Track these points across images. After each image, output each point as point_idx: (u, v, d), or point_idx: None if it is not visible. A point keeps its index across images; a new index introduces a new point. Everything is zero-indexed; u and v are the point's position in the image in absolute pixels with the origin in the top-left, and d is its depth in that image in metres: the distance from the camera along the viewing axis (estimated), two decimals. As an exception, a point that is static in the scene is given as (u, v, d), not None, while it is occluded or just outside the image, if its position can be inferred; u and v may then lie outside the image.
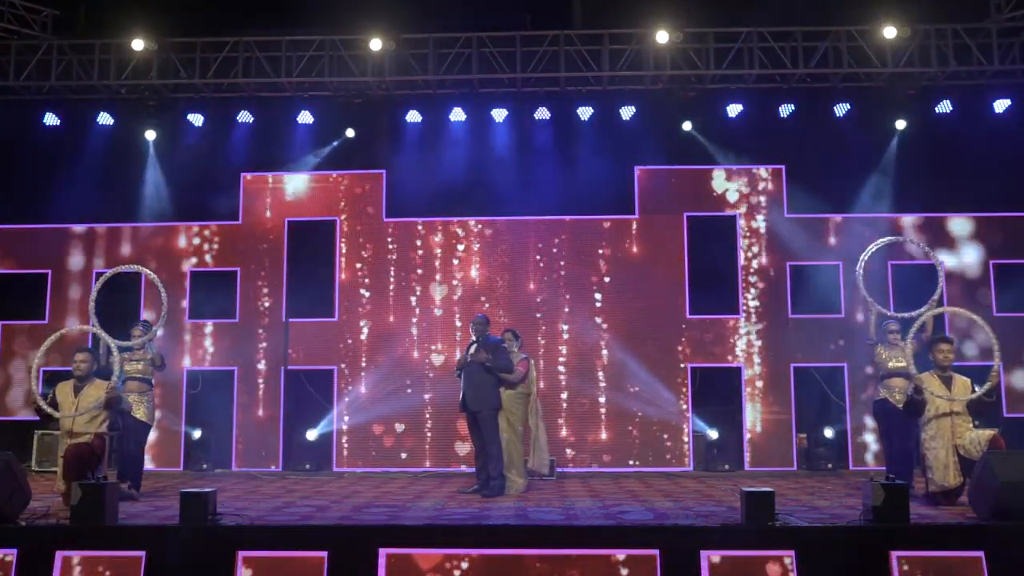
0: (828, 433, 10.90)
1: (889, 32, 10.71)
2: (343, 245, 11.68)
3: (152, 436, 9.11)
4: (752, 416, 11.21)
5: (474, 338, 8.39)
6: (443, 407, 11.22)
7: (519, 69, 11.19)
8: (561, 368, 11.38)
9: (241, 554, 5.43)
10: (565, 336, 11.42)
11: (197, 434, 11.13)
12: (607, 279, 11.51)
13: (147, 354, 8.43)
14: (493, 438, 8.16)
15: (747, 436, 11.16)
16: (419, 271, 11.59)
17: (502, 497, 7.89)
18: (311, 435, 11.10)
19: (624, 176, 11.66)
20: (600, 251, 11.56)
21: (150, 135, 11.67)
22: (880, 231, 11.35)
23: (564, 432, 11.21)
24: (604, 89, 11.53)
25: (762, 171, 11.63)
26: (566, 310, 11.45)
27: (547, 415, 11.13)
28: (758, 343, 11.35)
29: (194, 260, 11.69)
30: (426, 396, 11.35)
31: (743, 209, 11.59)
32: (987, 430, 7.11)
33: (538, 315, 11.43)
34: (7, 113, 11.64)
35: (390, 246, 11.67)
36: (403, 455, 11.25)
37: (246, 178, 11.83)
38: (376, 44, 10.96)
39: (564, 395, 11.32)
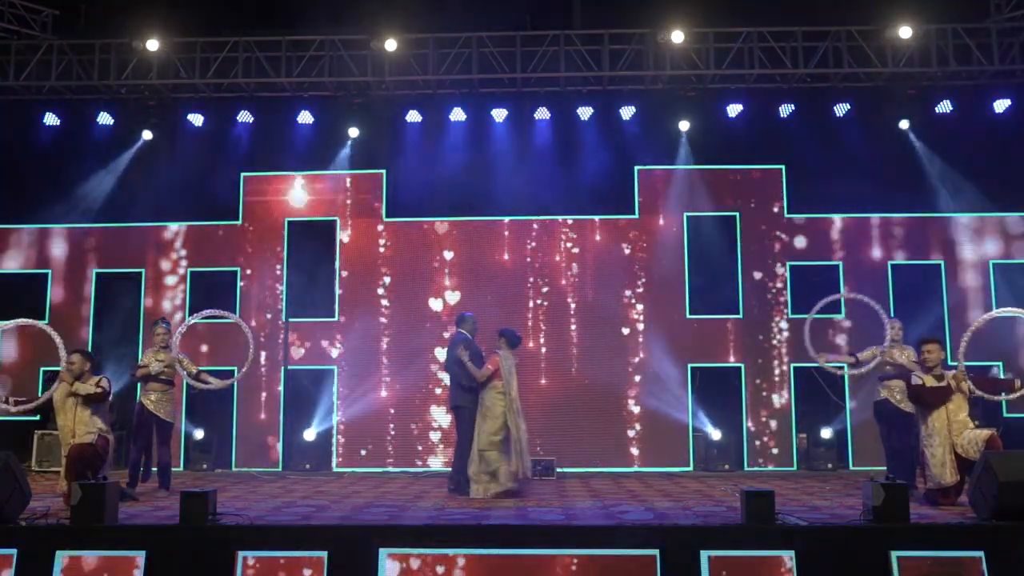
0: (826, 434, 10.89)
1: (905, 32, 10.68)
2: (343, 245, 11.68)
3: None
4: (752, 416, 11.21)
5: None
6: (444, 406, 11.22)
7: (519, 69, 11.19)
8: (561, 368, 11.37)
9: (241, 554, 5.43)
10: (564, 336, 11.41)
11: (198, 434, 11.12)
12: (607, 279, 11.50)
13: (170, 355, 8.53)
14: (463, 437, 8.23)
15: (747, 436, 11.16)
16: (419, 271, 11.58)
17: (502, 497, 7.89)
18: (309, 435, 11.10)
19: (624, 176, 11.66)
20: (600, 251, 11.55)
21: (150, 135, 11.68)
22: (880, 231, 11.43)
23: (565, 432, 11.19)
24: (604, 89, 11.53)
25: (762, 171, 11.63)
26: (566, 310, 11.45)
27: (549, 414, 11.17)
28: (758, 343, 11.35)
29: (195, 260, 11.69)
30: (427, 395, 11.35)
31: (743, 209, 11.58)
32: (984, 430, 7.13)
33: (538, 314, 11.43)
34: (7, 113, 11.64)
35: (390, 246, 11.67)
36: (403, 455, 11.25)
37: (246, 178, 11.83)
38: (377, 44, 10.96)
39: (565, 395, 11.31)
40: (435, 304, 11.52)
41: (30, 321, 7.88)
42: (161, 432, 8.66)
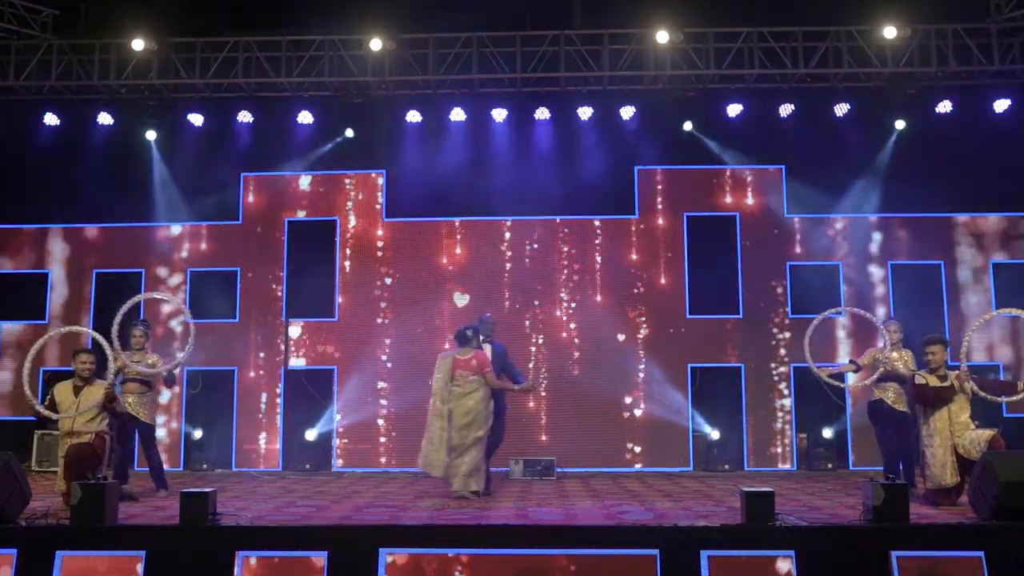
0: (826, 434, 10.91)
1: (889, 32, 10.70)
2: (343, 245, 11.69)
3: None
4: (752, 416, 11.20)
5: (489, 338, 8.47)
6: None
7: (519, 69, 11.18)
8: (560, 367, 11.37)
9: (241, 554, 5.43)
10: (564, 336, 11.42)
11: (198, 434, 11.13)
12: (607, 279, 11.51)
13: (148, 358, 8.44)
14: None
15: (747, 436, 11.16)
16: (419, 271, 11.58)
17: (502, 497, 7.90)
18: (310, 435, 11.12)
19: (624, 176, 11.66)
20: (600, 251, 11.56)
21: (150, 135, 11.68)
22: (880, 231, 11.44)
23: (565, 432, 11.20)
24: (604, 89, 11.52)
25: (762, 171, 11.64)
26: (566, 310, 11.46)
27: (549, 414, 11.19)
28: (758, 343, 11.34)
29: (196, 259, 11.70)
30: (426, 395, 11.31)
31: (743, 209, 11.59)
32: (986, 430, 7.11)
33: (538, 315, 11.43)
34: (7, 113, 11.64)
35: (390, 246, 11.68)
36: (403, 455, 11.24)
37: (246, 178, 11.84)
38: (376, 44, 10.96)
39: (565, 395, 11.31)
40: (435, 304, 11.51)
41: (95, 335, 7.69)
42: (143, 436, 8.50)
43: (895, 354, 8.06)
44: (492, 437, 8.16)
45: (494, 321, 8.79)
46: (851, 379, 8.55)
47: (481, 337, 8.40)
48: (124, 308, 7.90)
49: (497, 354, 8.40)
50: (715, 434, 11.00)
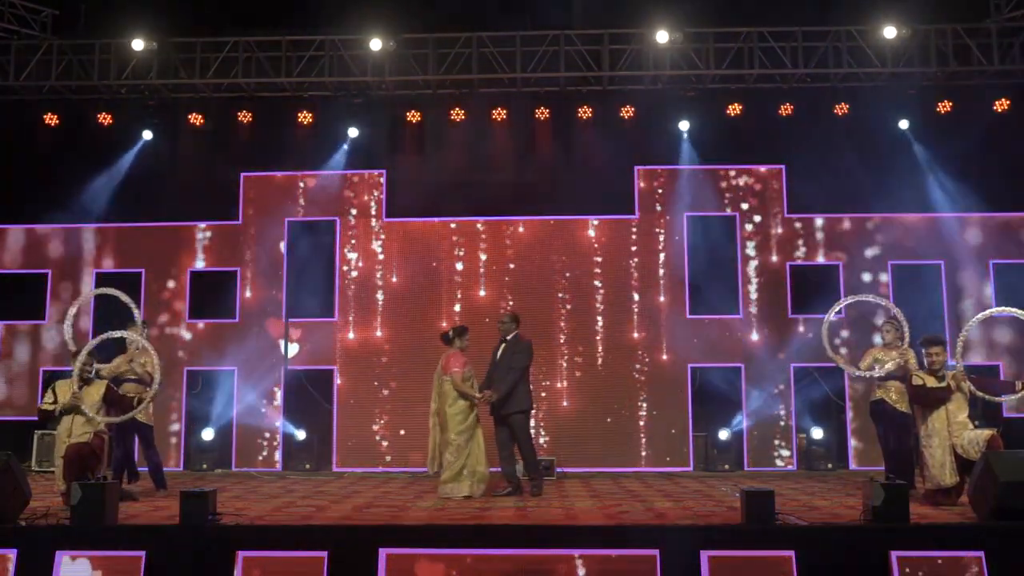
0: (825, 434, 10.89)
1: (889, 32, 10.70)
2: (343, 245, 11.69)
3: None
4: (752, 416, 11.20)
5: (504, 337, 8.46)
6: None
7: (519, 69, 11.19)
8: (561, 368, 11.37)
9: (241, 554, 5.43)
10: (564, 337, 11.42)
11: (207, 435, 11.07)
12: (607, 279, 11.51)
13: (143, 357, 8.44)
14: (525, 439, 8.30)
15: (747, 436, 11.16)
16: (418, 271, 11.58)
17: (502, 497, 7.90)
18: (301, 435, 11.09)
19: (624, 176, 11.66)
20: (600, 251, 11.56)
21: (150, 135, 11.68)
22: (880, 231, 11.43)
23: (565, 431, 11.20)
24: (604, 89, 11.53)
25: (762, 171, 11.64)
26: (566, 310, 11.45)
27: (549, 414, 11.20)
28: (758, 343, 11.34)
29: (194, 260, 11.70)
30: (426, 395, 11.30)
31: (743, 209, 11.59)
32: (985, 430, 7.11)
33: (538, 315, 11.41)
34: (7, 113, 11.64)
35: (389, 246, 11.67)
36: (402, 455, 11.24)
37: (246, 178, 11.84)
38: (376, 44, 10.97)
39: (564, 395, 11.31)
40: (434, 304, 11.51)
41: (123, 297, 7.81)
42: (142, 436, 8.52)
43: (894, 352, 8.06)
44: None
45: (513, 318, 8.59)
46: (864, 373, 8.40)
47: (508, 337, 8.41)
48: (72, 309, 8.02)
49: (519, 350, 8.34)
50: (723, 434, 10.95)
